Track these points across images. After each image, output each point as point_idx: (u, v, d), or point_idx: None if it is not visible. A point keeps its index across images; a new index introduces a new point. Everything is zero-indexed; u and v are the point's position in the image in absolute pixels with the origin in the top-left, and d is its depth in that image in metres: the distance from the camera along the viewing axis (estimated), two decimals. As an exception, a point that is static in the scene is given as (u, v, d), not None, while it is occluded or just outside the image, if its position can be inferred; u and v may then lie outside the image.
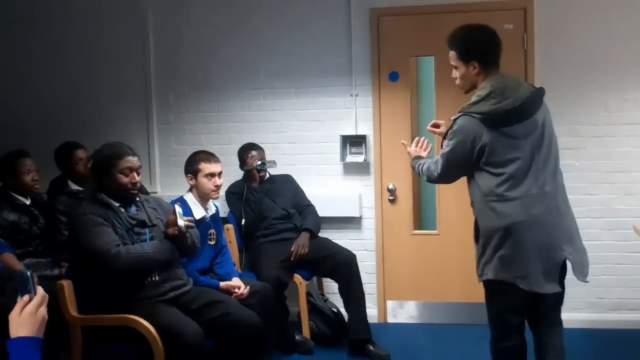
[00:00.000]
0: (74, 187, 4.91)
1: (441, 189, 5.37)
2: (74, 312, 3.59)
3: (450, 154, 3.38)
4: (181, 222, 3.67)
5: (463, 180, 5.57)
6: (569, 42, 5.14)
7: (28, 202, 4.60)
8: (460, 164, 3.40)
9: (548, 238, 3.29)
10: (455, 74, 3.45)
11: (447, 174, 3.50)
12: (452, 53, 3.43)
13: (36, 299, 1.95)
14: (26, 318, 1.92)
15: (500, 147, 3.28)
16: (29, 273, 1.98)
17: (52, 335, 3.73)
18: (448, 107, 5.28)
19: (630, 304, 5.19)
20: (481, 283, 3.43)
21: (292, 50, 5.51)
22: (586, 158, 5.16)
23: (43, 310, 1.96)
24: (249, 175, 5.17)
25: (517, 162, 3.28)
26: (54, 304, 3.61)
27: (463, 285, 5.34)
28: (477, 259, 3.40)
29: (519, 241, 3.24)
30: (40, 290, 1.98)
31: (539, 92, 3.43)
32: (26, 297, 1.94)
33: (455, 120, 3.36)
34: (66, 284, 3.60)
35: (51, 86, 5.85)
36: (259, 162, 5.12)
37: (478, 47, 3.40)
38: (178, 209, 3.74)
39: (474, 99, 3.35)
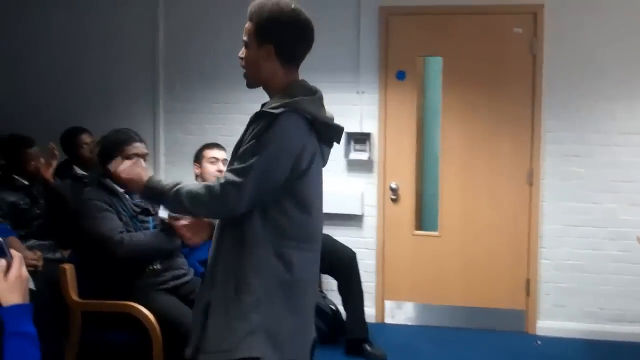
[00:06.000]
0: (79, 171, 4.90)
1: (444, 191, 5.34)
2: (74, 296, 3.56)
3: (266, 166, 2.28)
4: (163, 214, 3.62)
5: (468, 180, 5.58)
6: (579, 48, 5.12)
7: (28, 182, 4.58)
8: (273, 183, 2.31)
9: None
10: (243, 52, 2.47)
11: (251, 198, 2.29)
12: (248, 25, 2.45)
13: (17, 262, 1.93)
14: (13, 282, 1.90)
15: (316, 172, 2.46)
16: (1, 239, 1.95)
17: (51, 318, 3.73)
18: (455, 108, 5.29)
19: (631, 315, 5.14)
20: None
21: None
22: (592, 166, 5.13)
23: (25, 272, 1.95)
24: None
25: (319, 201, 2.51)
26: (55, 287, 3.60)
27: (462, 288, 5.33)
28: (229, 321, 2.34)
29: (301, 305, 2.44)
30: (14, 252, 1.95)
31: None
32: (3, 262, 1.91)
33: (275, 115, 2.30)
34: (68, 268, 3.57)
35: (59, 71, 5.82)
36: None
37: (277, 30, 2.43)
38: None
39: (292, 96, 2.38)
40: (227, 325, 2.33)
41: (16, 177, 4.56)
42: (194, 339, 2.43)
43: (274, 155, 2.29)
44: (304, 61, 5.63)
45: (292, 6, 2.45)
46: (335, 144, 2.57)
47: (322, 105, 2.49)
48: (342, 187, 5.46)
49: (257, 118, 2.34)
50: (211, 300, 2.39)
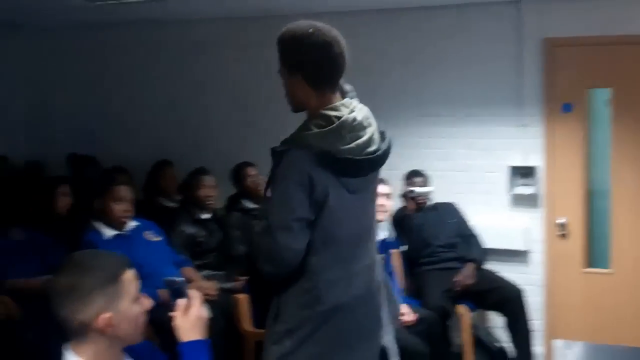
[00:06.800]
0: (247, 204, 5.11)
1: (616, 227, 5.11)
2: (248, 326, 3.70)
3: (280, 202, 2.38)
4: None
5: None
6: None
7: (207, 216, 4.86)
8: (297, 215, 2.37)
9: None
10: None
11: (288, 239, 2.36)
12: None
13: (197, 302, 2.04)
14: (194, 321, 2.01)
15: (340, 203, 2.45)
16: (181, 279, 2.07)
17: (226, 347, 3.90)
18: (626, 141, 5.08)
19: None
20: None
21: (461, 78, 5.45)
22: None
23: (204, 311, 2.06)
24: (405, 200, 5.18)
25: (348, 229, 2.50)
26: (229, 316, 3.77)
27: (638, 328, 5.04)
28: (268, 345, 2.49)
29: (338, 330, 2.48)
30: (193, 292, 2.06)
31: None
32: (182, 301, 2.02)
33: (280, 153, 2.40)
34: (242, 298, 3.72)
35: (223, 113, 6.18)
36: (410, 189, 5.11)
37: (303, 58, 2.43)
38: None
39: (305, 130, 2.44)
40: (266, 348, 2.49)
41: (195, 209, 4.84)
42: None
43: (282, 188, 2.36)
44: (466, 94, 5.57)
45: (310, 30, 2.40)
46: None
47: (343, 136, 2.40)
48: (505, 221, 5.35)
49: (272, 156, 2.43)
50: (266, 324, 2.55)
